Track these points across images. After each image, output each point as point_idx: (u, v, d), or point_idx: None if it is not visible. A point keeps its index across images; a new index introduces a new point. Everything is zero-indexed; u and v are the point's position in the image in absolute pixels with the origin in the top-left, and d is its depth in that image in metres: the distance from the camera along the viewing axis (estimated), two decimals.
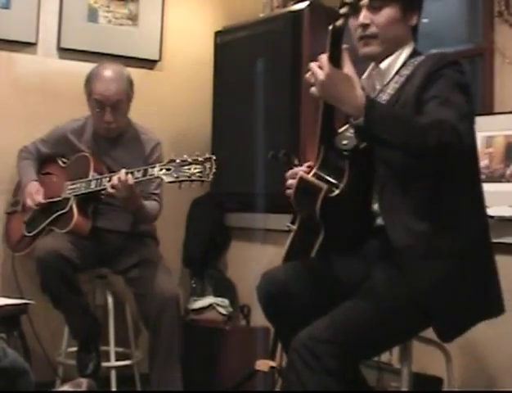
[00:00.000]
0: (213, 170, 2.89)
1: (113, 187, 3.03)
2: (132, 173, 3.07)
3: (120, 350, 3.52)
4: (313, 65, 1.99)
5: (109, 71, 3.30)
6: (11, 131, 3.64)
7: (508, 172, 2.85)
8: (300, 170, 2.22)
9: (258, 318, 3.74)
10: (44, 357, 3.47)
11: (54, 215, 3.32)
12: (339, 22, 1.94)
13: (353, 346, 1.99)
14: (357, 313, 2.03)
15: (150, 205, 3.32)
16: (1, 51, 3.65)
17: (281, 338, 2.38)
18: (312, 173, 2.18)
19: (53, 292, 3.15)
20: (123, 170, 3.05)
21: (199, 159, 2.90)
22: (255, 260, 3.73)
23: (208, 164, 2.89)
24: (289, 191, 2.25)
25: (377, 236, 2.19)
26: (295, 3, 3.64)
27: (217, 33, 3.94)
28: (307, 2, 3.50)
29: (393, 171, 2.11)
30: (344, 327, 2.00)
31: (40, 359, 3.40)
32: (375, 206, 2.19)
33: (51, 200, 3.35)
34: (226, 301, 3.83)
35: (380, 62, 2.24)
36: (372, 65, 2.29)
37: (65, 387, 2.63)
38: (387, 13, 2.19)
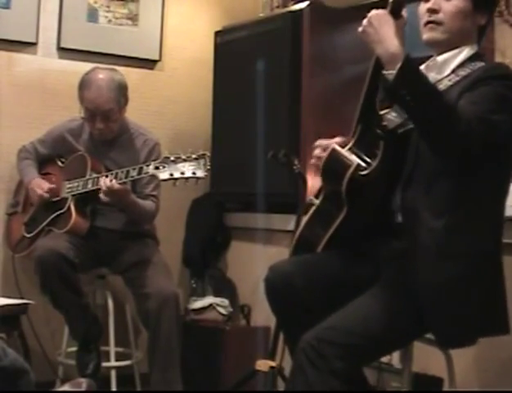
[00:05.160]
0: (208, 167, 2.91)
1: (102, 191, 3.08)
2: (127, 171, 3.08)
3: (120, 350, 3.51)
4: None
5: (99, 80, 3.27)
6: (11, 131, 3.63)
7: None
8: (333, 142, 2.21)
9: (258, 318, 3.74)
10: (44, 357, 3.46)
11: (53, 215, 3.32)
12: None
13: (359, 349, 1.99)
14: (364, 316, 2.02)
15: (144, 204, 3.32)
16: (1, 51, 3.64)
17: (285, 333, 2.38)
18: (346, 149, 2.16)
19: (53, 292, 3.15)
20: (107, 178, 3.08)
21: (193, 156, 2.92)
22: (255, 260, 3.73)
23: (202, 161, 2.90)
24: (313, 161, 2.24)
25: (393, 234, 2.18)
26: (295, 3, 3.64)
27: (217, 33, 3.94)
28: (307, 2, 3.50)
29: (422, 158, 2.08)
30: (351, 329, 1.99)
31: (40, 359, 3.40)
32: (396, 201, 2.18)
33: (51, 200, 3.35)
34: (226, 301, 3.82)
35: (440, 54, 2.19)
36: (432, 58, 2.23)
37: (65, 387, 2.63)
38: (457, 3, 2.14)
